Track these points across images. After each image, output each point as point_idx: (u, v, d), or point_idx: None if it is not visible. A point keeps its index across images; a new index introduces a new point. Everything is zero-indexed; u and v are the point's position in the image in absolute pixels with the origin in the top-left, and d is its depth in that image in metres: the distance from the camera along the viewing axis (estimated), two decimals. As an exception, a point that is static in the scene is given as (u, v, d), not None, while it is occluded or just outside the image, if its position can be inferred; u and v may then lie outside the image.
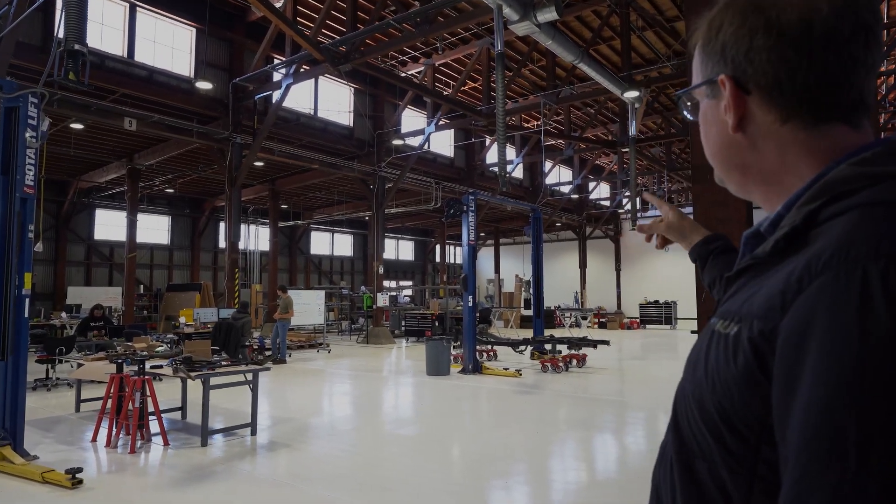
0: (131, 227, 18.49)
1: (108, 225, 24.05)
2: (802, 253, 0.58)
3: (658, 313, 26.24)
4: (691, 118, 0.83)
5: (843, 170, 0.62)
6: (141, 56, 15.12)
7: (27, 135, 5.85)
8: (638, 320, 27.04)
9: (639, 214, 19.11)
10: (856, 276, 0.50)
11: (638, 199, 17.17)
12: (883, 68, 16.35)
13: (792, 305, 0.54)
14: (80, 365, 7.70)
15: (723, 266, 1.14)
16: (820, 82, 0.65)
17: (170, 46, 15.91)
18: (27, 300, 5.88)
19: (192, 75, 16.02)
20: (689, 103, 0.83)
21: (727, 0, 0.72)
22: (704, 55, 0.75)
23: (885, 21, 15.42)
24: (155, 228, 25.57)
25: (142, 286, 24.14)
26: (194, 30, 16.26)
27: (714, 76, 0.73)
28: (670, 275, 29.06)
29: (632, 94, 14.67)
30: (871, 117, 0.72)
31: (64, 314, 17.35)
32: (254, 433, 6.81)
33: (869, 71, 0.66)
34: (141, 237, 22.28)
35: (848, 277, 0.50)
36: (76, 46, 5.36)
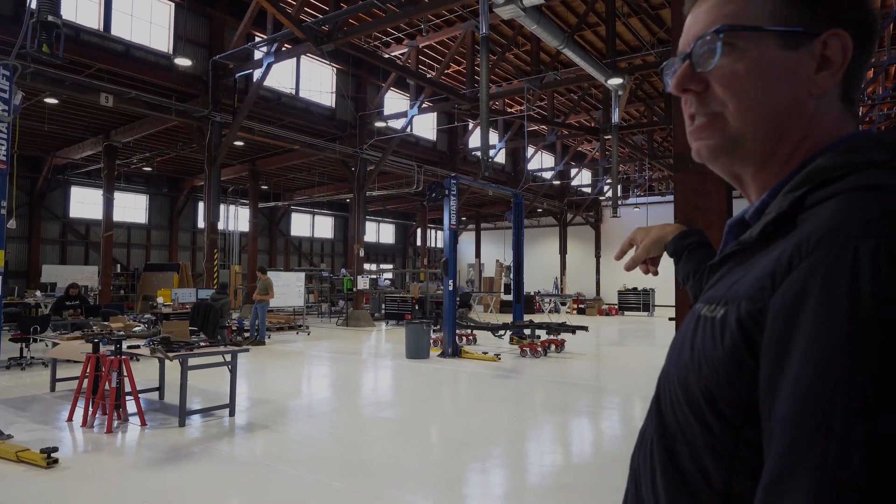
0: (108, 205, 18.19)
1: (84, 203, 23.64)
2: (790, 236, 0.59)
3: (636, 300, 26.55)
4: (704, 63, 0.71)
5: (829, 157, 0.64)
6: (118, 30, 14.77)
7: None
8: (616, 307, 27.34)
9: (620, 202, 19.25)
10: (847, 256, 0.51)
11: (613, 187, 17.28)
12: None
13: (782, 284, 0.55)
14: (55, 344, 7.60)
15: (698, 262, 1.13)
16: (868, 65, 0.70)
17: (147, 21, 15.56)
18: (0, 278, 5.77)
19: (171, 51, 15.71)
20: (721, 45, 0.70)
21: None
22: None
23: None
24: (132, 207, 25.19)
25: (118, 265, 23.83)
26: (173, 4, 15.92)
27: (813, 29, 0.68)
28: (649, 262, 29.37)
29: (615, 81, 14.70)
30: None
31: (38, 292, 17.08)
32: (232, 414, 6.80)
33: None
34: (118, 216, 21.95)
35: (839, 256, 0.51)
36: (50, 18, 5.22)
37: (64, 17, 5.64)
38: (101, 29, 14.41)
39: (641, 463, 0.72)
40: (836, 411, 0.47)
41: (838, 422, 0.46)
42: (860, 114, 19.00)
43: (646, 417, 0.74)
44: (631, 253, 1.27)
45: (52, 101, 14.49)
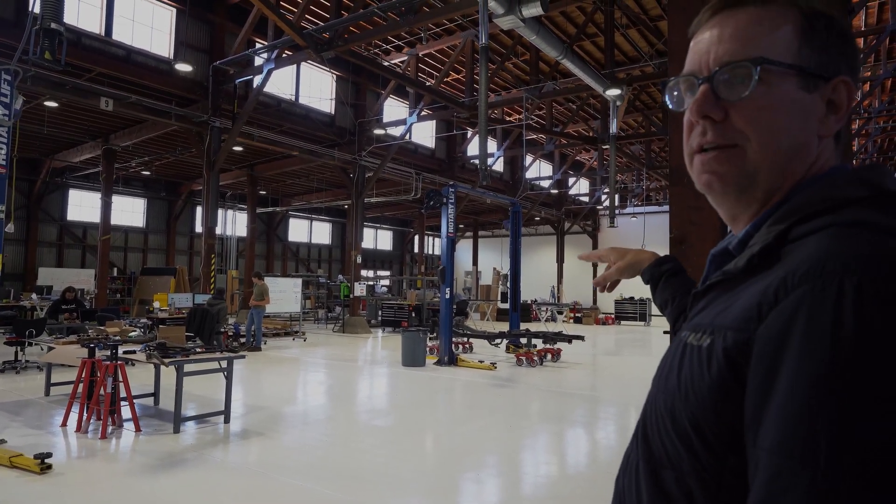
0: (106, 208, 18.18)
1: (82, 206, 23.62)
2: (775, 269, 0.60)
3: (633, 310, 26.53)
4: (734, 92, 0.70)
5: (810, 193, 0.66)
6: (119, 35, 14.81)
7: None
8: (613, 316, 27.32)
9: (617, 212, 19.30)
10: (832, 290, 0.53)
11: (611, 196, 17.35)
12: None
13: (768, 316, 0.57)
14: (50, 348, 7.58)
15: (675, 288, 1.15)
16: None
17: (149, 26, 15.62)
18: (-3, 282, 5.77)
19: (172, 56, 15.75)
20: (757, 77, 0.68)
21: (829, 14, 0.71)
22: (813, 40, 0.70)
23: (863, 28, 15.72)
24: (130, 211, 25.17)
25: (115, 269, 23.78)
26: (174, 10, 15.98)
27: (827, 73, 0.70)
28: (646, 271, 29.39)
29: (614, 92, 14.77)
30: None
31: (34, 295, 17.03)
32: (227, 421, 6.78)
33: None
34: (115, 219, 21.89)
35: (824, 290, 0.53)
36: (53, 25, 5.24)
37: (66, 22, 5.65)
38: (103, 33, 14.45)
39: (627, 486, 0.74)
40: (821, 440, 0.48)
41: (823, 450, 0.48)
42: (857, 126, 19.11)
43: (631, 440, 0.75)
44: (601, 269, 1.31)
45: (52, 104, 14.51)
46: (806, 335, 0.52)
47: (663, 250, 1.27)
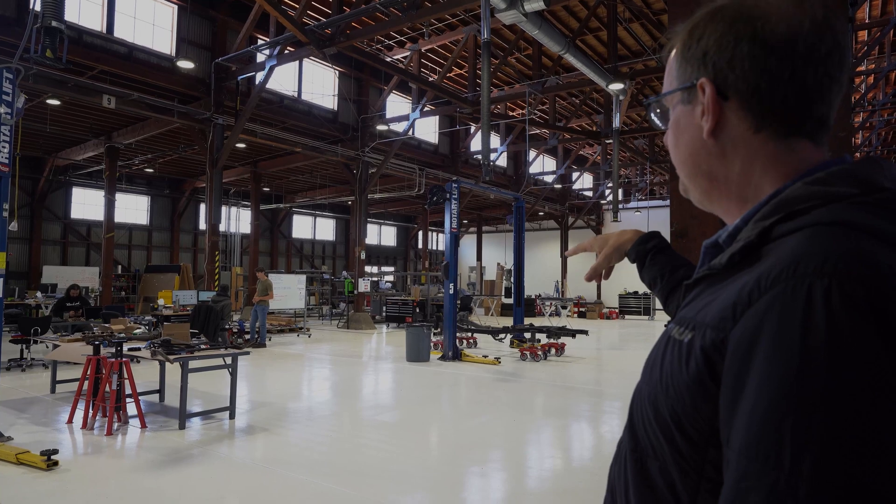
0: (109, 206, 18.21)
1: (86, 204, 23.67)
2: (755, 267, 0.60)
3: (637, 304, 26.55)
4: (661, 125, 0.84)
5: (798, 188, 0.65)
6: (121, 32, 14.81)
7: (1, 111, 5.72)
8: (617, 311, 27.32)
9: (621, 206, 19.27)
10: (801, 293, 0.53)
11: (614, 191, 17.32)
12: (862, 67, 16.58)
13: (742, 317, 0.57)
14: (55, 346, 7.61)
15: (661, 266, 1.15)
16: (798, 95, 0.68)
17: (150, 23, 15.61)
18: (1, 280, 5.79)
19: (174, 53, 15.76)
20: (658, 110, 0.83)
21: (712, 9, 0.72)
22: (683, 60, 0.75)
23: (867, 21, 15.63)
24: (134, 208, 25.23)
25: (120, 267, 23.85)
26: (176, 6, 15.97)
27: (693, 81, 0.73)
28: (650, 266, 29.35)
29: (617, 86, 14.73)
30: (829, 136, 0.74)
31: (39, 294, 17.10)
32: (232, 417, 6.81)
33: (840, 90, 0.69)
34: (119, 217, 21.97)
35: (794, 293, 0.53)
36: (54, 23, 5.24)
37: (67, 20, 5.65)
38: (104, 31, 14.45)
39: (617, 475, 0.76)
40: (785, 444, 0.49)
41: (787, 454, 0.49)
42: (861, 119, 19.01)
43: (623, 431, 0.77)
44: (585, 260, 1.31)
45: (54, 102, 14.53)
46: (775, 339, 0.53)
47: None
